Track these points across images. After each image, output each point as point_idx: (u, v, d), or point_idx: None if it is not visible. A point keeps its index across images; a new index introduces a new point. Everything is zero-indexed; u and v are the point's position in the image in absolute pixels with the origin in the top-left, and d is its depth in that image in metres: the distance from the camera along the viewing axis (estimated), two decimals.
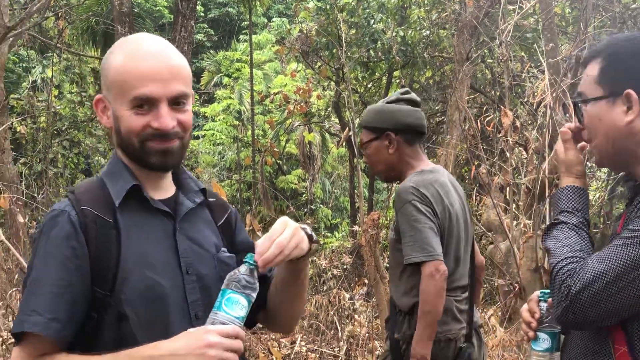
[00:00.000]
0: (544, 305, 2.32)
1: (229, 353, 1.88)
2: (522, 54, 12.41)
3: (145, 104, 2.01)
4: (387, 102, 3.87)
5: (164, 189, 2.18)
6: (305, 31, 13.45)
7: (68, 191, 2.14)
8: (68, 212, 2.02)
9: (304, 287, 2.29)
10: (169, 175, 2.20)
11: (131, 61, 2.02)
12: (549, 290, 2.30)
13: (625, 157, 2.14)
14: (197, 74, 28.31)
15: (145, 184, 2.12)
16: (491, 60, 12.64)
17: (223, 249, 2.20)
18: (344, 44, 11.64)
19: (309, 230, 2.12)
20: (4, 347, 7.60)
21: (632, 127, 2.07)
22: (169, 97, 2.02)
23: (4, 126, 11.08)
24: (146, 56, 2.03)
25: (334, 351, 8.41)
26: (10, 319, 8.17)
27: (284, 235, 2.00)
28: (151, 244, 2.07)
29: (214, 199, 2.30)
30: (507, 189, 6.98)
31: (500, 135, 6.52)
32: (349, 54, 12.70)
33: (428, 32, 13.34)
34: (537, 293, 2.36)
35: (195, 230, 2.17)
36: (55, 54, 15.88)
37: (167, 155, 2.07)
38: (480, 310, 7.83)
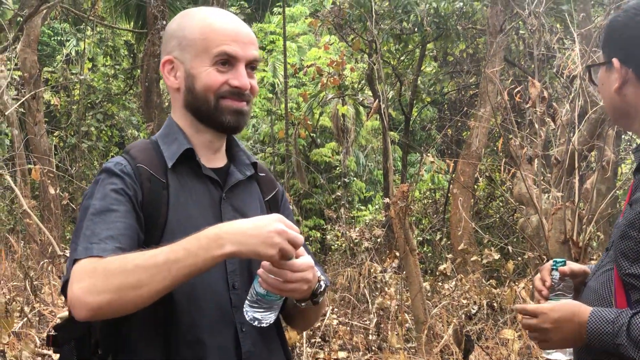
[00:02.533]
0: (555, 274, 2.36)
1: (289, 245, 1.89)
2: (558, 25, 12.22)
3: (227, 62, 2.11)
4: None
5: (217, 159, 2.23)
6: (338, 3, 13.36)
7: (123, 151, 2.21)
8: (124, 165, 2.09)
9: (315, 315, 2.32)
10: (223, 146, 2.25)
11: (215, 22, 2.14)
12: (561, 259, 2.37)
13: (628, 121, 2.23)
14: None
15: (199, 151, 2.18)
16: (524, 32, 12.47)
17: None
18: (377, 16, 11.55)
19: (323, 283, 2.10)
20: (38, 318, 7.70)
21: (623, 93, 2.17)
22: (247, 59, 2.14)
23: (30, 94, 11.13)
24: (227, 19, 2.16)
25: (365, 324, 8.43)
26: (42, 290, 8.26)
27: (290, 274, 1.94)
28: (197, 209, 2.12)
29: (264, 174, 2.35)
30: (536, 161, 6.90)
31: (528, 106, 6.42)
32: (381, 26, 12.61)
33: (461, 3, 13.19)
34: (550, 262, 2.39)
35: (241, 201, 2.22)
36: (88, 27, 15.95)
37: (240, 115, 2.15)
38: (511, 284, 7.79)
